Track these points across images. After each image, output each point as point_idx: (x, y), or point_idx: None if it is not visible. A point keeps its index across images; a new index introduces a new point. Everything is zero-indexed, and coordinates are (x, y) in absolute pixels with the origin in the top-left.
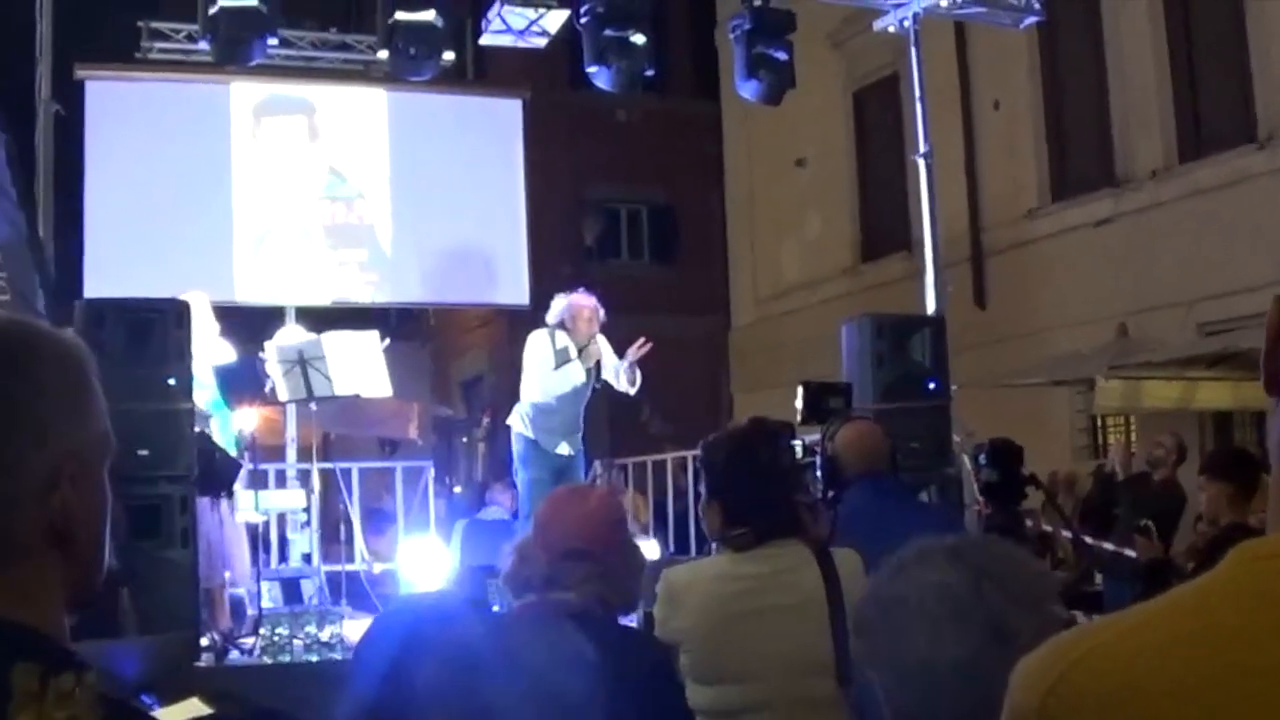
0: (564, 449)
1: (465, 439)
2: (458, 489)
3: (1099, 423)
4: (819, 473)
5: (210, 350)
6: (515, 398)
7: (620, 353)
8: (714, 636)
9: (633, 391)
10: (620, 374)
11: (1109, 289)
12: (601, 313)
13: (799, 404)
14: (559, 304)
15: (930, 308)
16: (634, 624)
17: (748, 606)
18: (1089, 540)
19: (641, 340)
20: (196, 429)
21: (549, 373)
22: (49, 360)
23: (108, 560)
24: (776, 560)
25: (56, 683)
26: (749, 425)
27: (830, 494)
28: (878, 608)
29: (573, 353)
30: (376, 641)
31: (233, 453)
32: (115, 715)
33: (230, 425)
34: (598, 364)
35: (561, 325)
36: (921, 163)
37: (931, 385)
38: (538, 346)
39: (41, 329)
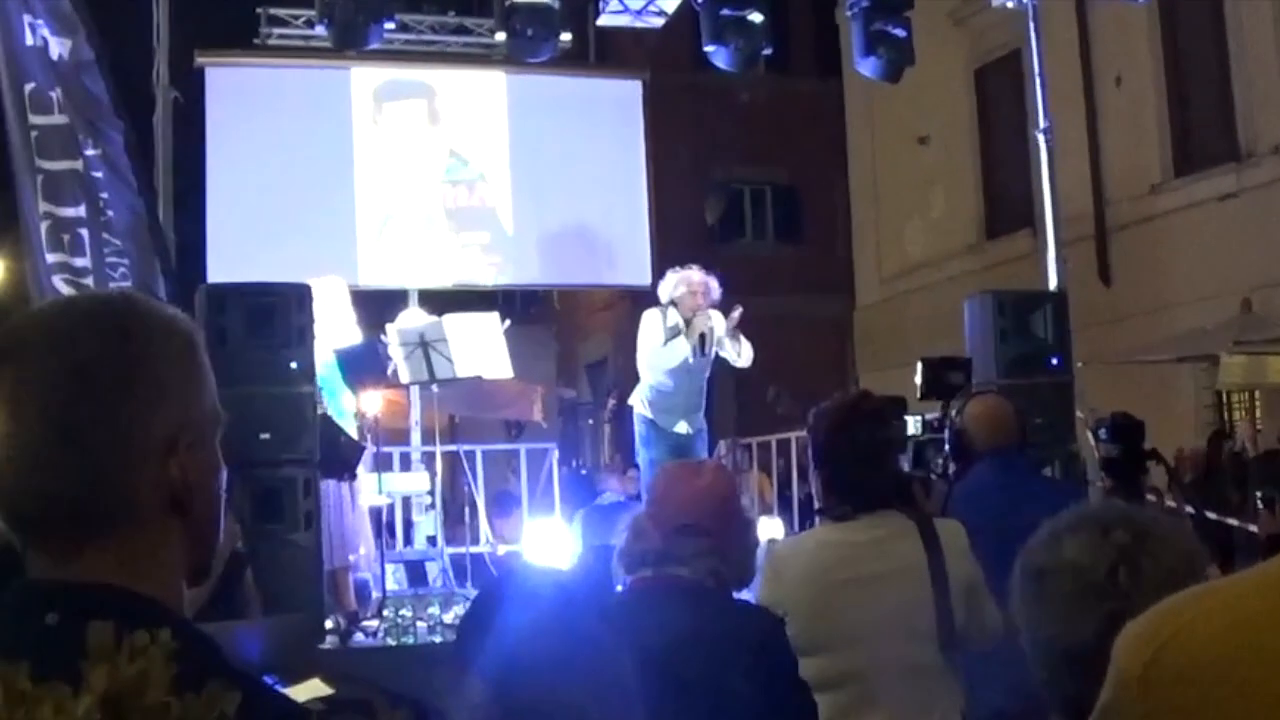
0: (682, 427)
1: (590, 421)
2: (584, 472)
3: (1224, 399)
4: (947, 446)
5: (342, 335)
6: (639, 379)
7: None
8: (815, 605)
9: (744, 364)
10: (726, 345)
11: (1233, 264)
12: (714, 288)
13: (918, 379)
14: (670, 280)
15: (1053, 284)
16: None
17: (848, 574)
18: (1212, 516)
19: (737, 306)
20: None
21: (657, 349)
22: (158, 330)
23: (236, 543)
24: (876, 530)
25: (131, 640)
26: (852, 399)
27: (956, 468)
28: (1024, 575)
29: (682, 329)
30: (489, 616)
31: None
32: (191, 671)
33: (341, 405)
34: (705, 339)
35: (673, 302)
36: (1041, 138)
37: (1054, 361)
38: (649, 325)
39: (148, 301)
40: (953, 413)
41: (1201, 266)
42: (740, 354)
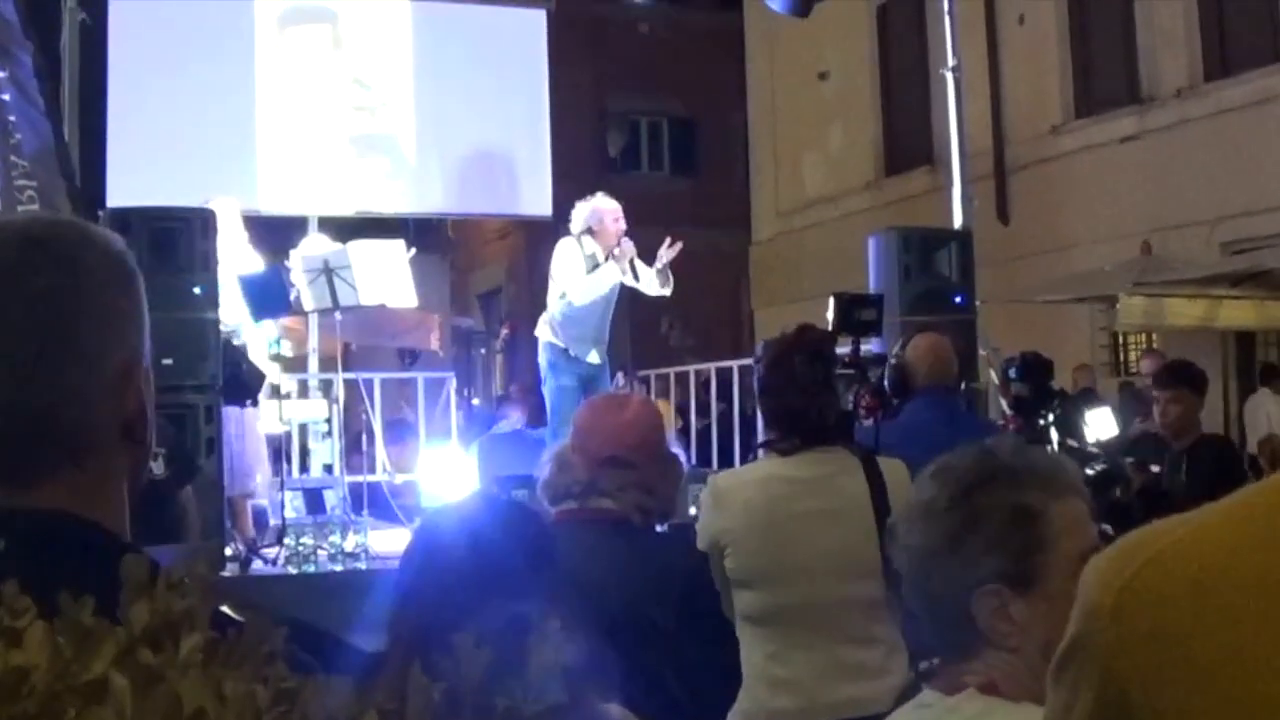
0: (594, 357)
1: (483, 350)
2: (475, 401)
3: (1121, 340)
4: (886, 381)
5: (239, 258)
6: (534, 309)
7: (645, 260)
8: (757, 538)
9: (668, 292)
10: (653, 278)
11: (1133, 206)
12: (622, 216)
13: (830, 315)
14: (583, 210)
15: (957, 222)
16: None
17: (791, 509)
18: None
19: (669, 240)
20: (235, 341)
21: (583, 277)
22: (109, 258)
23: (159, 469)
24: (821, 465)
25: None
26: (793, 334)
27: (895, 402)
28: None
29: (600, 258)
30: (409, 552)
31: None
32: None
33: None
34: (632, 265)
35: (588, 231)
36: (949, 77)
37: (958, 299)
38: (568, 253)
39: (96, 229)
40: (895, 348)
41: (1101, 208)
42: (666, 284)
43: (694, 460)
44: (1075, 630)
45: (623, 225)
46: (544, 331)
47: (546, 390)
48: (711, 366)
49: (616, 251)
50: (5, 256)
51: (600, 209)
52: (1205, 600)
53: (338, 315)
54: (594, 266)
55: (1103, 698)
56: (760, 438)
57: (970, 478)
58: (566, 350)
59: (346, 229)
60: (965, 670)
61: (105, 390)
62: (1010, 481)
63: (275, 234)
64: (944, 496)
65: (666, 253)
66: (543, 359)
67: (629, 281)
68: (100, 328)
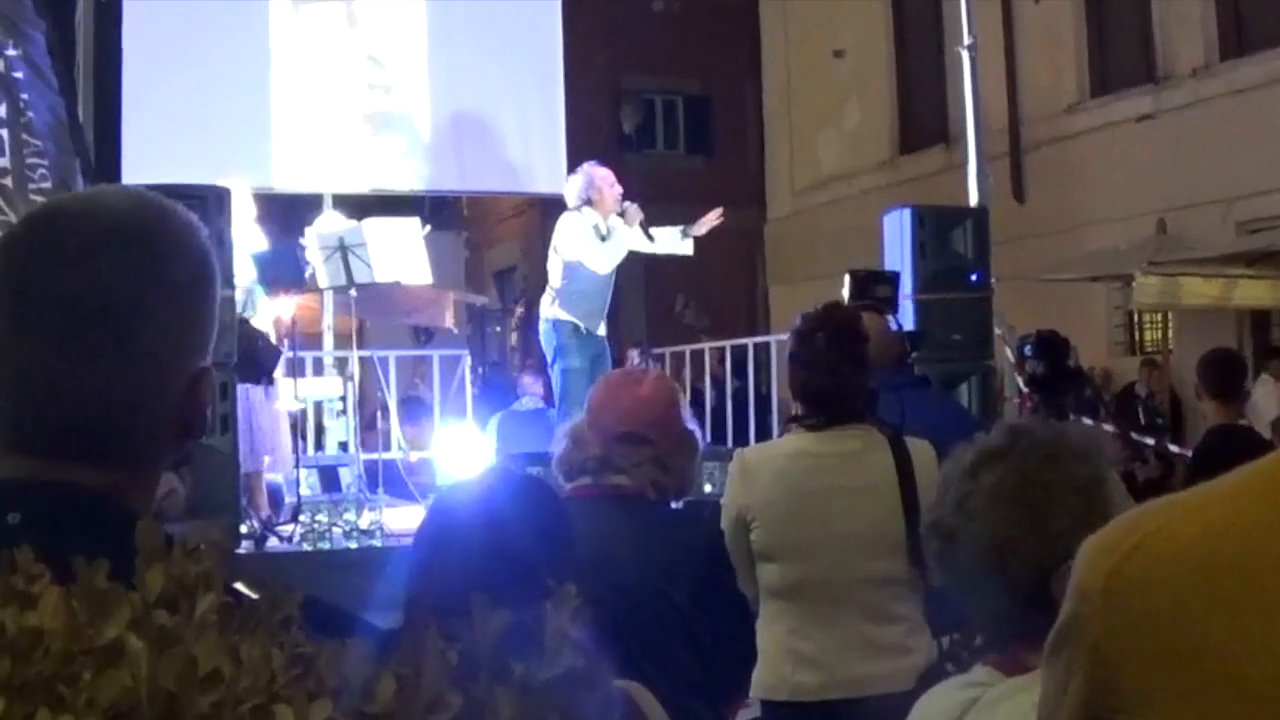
0: (601, 329)
1: (498, 328)
2: (481, 370)
3: (1136, 318)
4: None
5: (247, 238)
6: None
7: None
8: (783, 512)
9: (689, 251)
10: (674, 237)
11: (1148, 185)
12: (616, 182)
13: (845, 292)
14: (576, 182)
15: (972, 200)
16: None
17: (818, 484)
18: (1134, 436)
19: (719, 211)
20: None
21: (601, 246)
22: (199, 261)
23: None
24: (848, 442)
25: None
26: (822, 311)
27: None
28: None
29: (603, 228)
30: (424, 528)
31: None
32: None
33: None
34: (644, 228)
35: (587, 202)
36: (965, 54)
37: (974, 277)
38: (577, 226)
39: (186, 222)
40: None
41: (1116, 187)
42: (687, 245)
43: (709, 438)
44: (1067, 611)
45: (619, 189)
46: (552, 309)
47: (555, 372)
48: (726, 344)
49: (625, 216)
50: (92, 240)
51: (594, 175)
52: (1192, 583)
53: (353, 293)
54: (601, 236)
55: (1093, 678)
56: (782, 413)
57: (1035, 456)
58: (578, 327)
59: (361, 207)
60: (1030, 649)
61: (172, 397)
62: (1071, 455)
63: (290, 212)
64: (1011, 480)
65: (703, 225)
66: (549, 340)
67: (645, 247)
68: (178, 338)
